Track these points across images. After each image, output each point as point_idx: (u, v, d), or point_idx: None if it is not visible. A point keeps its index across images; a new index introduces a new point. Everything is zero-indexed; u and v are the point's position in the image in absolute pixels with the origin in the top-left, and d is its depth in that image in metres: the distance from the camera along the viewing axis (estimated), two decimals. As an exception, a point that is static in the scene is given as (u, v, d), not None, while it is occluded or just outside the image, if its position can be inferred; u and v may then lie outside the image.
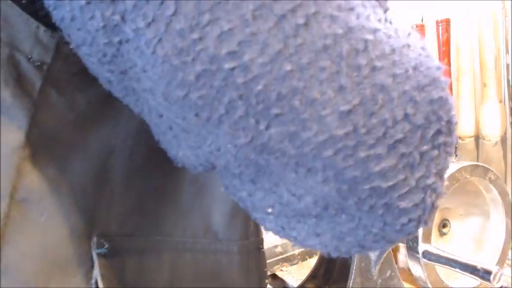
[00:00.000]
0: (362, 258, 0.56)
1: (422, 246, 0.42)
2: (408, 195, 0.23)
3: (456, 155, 1.04)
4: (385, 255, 0.55)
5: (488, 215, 0.48)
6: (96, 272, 0.29)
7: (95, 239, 0.30)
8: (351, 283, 0.55)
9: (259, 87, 0.21)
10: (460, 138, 1.03)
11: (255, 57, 0.21)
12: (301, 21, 0.21)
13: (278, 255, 0.86)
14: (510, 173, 0.96)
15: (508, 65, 0.94)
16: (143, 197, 0.34)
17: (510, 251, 0.51)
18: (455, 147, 1.05)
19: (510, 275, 0.80)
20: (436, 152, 0.23)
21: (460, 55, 1.00)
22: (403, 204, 0.23)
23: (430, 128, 0.23)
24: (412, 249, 0.43)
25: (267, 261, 0.85)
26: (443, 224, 0.47)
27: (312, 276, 0.66)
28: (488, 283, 0.37)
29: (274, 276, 0.83)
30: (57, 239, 0.29)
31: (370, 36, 0.22)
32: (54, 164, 0.29)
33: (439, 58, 1.04)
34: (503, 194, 0.47)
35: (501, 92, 0.95)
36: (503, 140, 0.96)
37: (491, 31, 0.93)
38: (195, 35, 0.21)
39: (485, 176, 0.46)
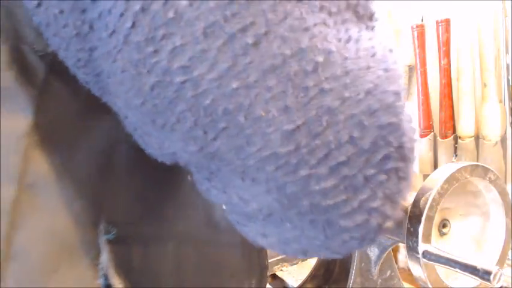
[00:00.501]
0: (362, 258, 0.56)
1: (422, 246, 0.42)
2: (350, 215, 0.23)
3: (456, 155, 1.04)
4: (385, 255, 0.55)
5: (488, 215, 0.48)
6: (104, 257, 0.30)
7: (102, 226, 0.31)
8: (351, 283, 0.55)
9: (207, 102, 0.22)
10: (460, 138, 1.03)
11: (205, 73, 0.22)
12: (250, 40, 0.21)
13: (278, 255, 0.85)
14: (510, 173, 0.96)
15: (508, 65, 0.94)
16: (147, 186, 0.34)
17: (510, 251, 0.51)
18: (455, 148, 1.05)
19: (510, 275, 0.80)
20: (384, 177, 0.23)
21: (460, 55, 1.00)
22: (345, 223, 0.23)
23: (377, 152, 0.23)
24: (412, 249, 0.43)
25: (268, 261, 0.85)
26: (443, 224, 0.47)
27: (312, 276, 0.66)
28: (488, 283, 0.37)
29: (274, 276, 0.83)
30: (65, 224, 0.29)
31: (321, 58, 0.22)
32: (60, 151, 0.29)
33: (439, 58, 1.04)
34: (503, 194, 0.47)
35: (501, 92, 0.95)
36: (503, 140, 0.96)
37: (491, 31, 0.93)
38: (151, 48, 0.22)
39: (485, 176, 0.46)
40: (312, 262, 0.86)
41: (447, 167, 0.44)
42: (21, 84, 0.28)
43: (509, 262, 0.82)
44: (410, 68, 1.16)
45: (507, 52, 0.94)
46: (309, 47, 0.22)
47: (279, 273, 0.83)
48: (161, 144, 0.26)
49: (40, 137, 0.28)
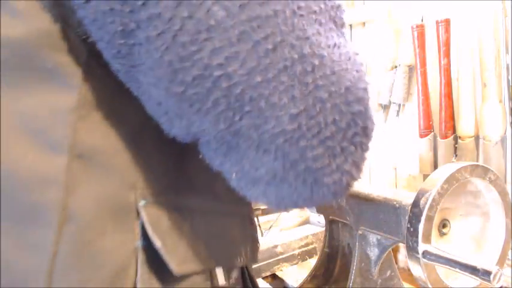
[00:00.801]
0: (362, 258, 0.56)
1: (422, 246, 0.42)
2: (330, 174, 0.32)
3: (456, 155, 1.05)
4: (385, 255, 0.55)
5: (488, 215, 0.48)
6: (143, 219, 0.35)
7: (138, 191, 0.35)
8: (351, 283, 0.55)
9: (238, 91, 0.29)
10: (460, 138, 1.03)
11: (237, 69, 0.29)
12: (270, 46, 0.29)
13: (278, 255, 0.86)
14: (510, 173, 0.96)
15: (508, 65, 0.94)
16: (169, 162, 0.39)
17: (510, 251, 0.51)
18: (455, 148, 1.05)
19: (510, 275, 0.80)
20: (353, 148, 0.33)
21: (460, 55, 1.00)
22: (327, 180, 0.33)
23: (350, 130, 0.32)
24: (412, 249, 0.43)
25: (267, 262, 0.85)
26: (443, 224, 0.47)
27: (312, 276, 0.66)
28: (488, 283, 0.37)
29: (274, 276, 0.83)
30: (110, 190, 0.34)
31: (317, 61, 0.30)
32: (102, 125, 0.34)
33: (439, 58, 1.04)
34: (503, 194, 0.47)
35: (501, 92, 0.95)
36: (503, 140, 0.96)
37: (491, 31, 0.93)
38: (194, 47, 0.28)
39: (485, 176, 0.46)
40: (312, 262, 0.86)
41: (447, 167, 0.44)
42: (69, 64, 0.32)
43: (509, 262, 0.82)
44: (410, 68, 1.16)
45: (507, 52, 0.94)
46: (309, 53, 0.30)
47: (279, 273, 0.83)
48: (191, 125, 0.32)
49: (86, 112, 0.33)
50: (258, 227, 1.13)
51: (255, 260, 0.51)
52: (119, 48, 0.30)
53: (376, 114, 1.33)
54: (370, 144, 0.35)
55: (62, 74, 0.32)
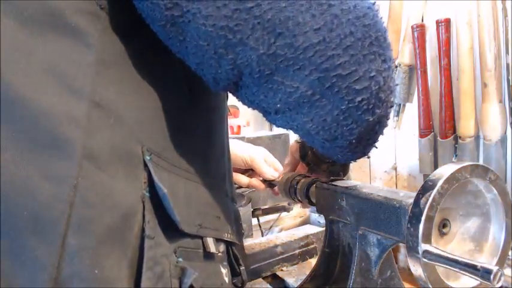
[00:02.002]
0: (362, 258, 0.56)
1: (422, 246, 0.42)
2: (359, 81, 0.37)
3: (456, 155, 1.05)
4: (385, 255, 0.55)
5: (488, 215, 0.48)
6: (150, 170, 0.39)
7: (145, 147, 0.39)
8: (351, 283, 0.55)
9: (268, 16, 0.35)
10: (460, 138, 1.03)
11: None
12: None
13: (278, 255, 0.86)
14: (510, 173, 0.96)
15: (508, 65, 0.94)
16: (172, 128, 0.43)
17: (510, 251, 0.51)
18: (455, 148, 1.05)
19: (510, 275, 0.80)
20: (372, 56, 0.37)
21: (460, 55, 1.00)
22: (356, 86, 0.37)
23: (365, 40, 0.37)
24: (412, 249, 0.43)
25: (267, 262, 0.85)
26: (443, 224, 0.47)
27: (312, 276, 0.66)
28: (488, 283, 0.37)
29: (274, 276, 0.83)
30: (121, 140, 0.37)
31: None
32: (116, 83, 0.38)
33: (439, 58, 1.04)
34: (503, 194, 0.47)
35: (501, 92, 0.95)
36: (503, 140, 0.96)
37: (491, 31, 0.93)
38: None
39: (485, 176, 0.45)
40: (312, 262, 0.86)
41: (447, 167, 0.44)
42: (89, 26, 0.36)
43: (509, 262, 0.82)
44: (410, 68, 1.16)
45: (507, 52, 0.94)
46: None
47: (279, 273, 0.83)
48: (236, 56, 0.37)
49: (102, 69, 0.37)
50: (258, 227, 1.13)
51: (239, 239, 0.55)
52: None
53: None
54: (387, 55, 0.39)
55: (83, 33, 0.36)
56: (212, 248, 0.46)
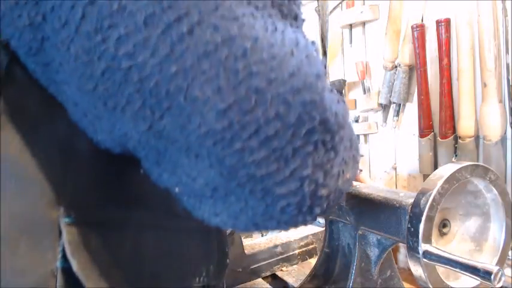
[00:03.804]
0: (362, 258, 0.56)
1: (422, 246, 0.42)
2: (283, 183, 0.27)
3: (456, 155, 1.04)
4: (385, 255, 0.55)
5: (488, 215, 0.48)
6: (64, 239, 0.31)
7: (62, 208, 0.32)
8: (351, 283, 0.55)
9: (152, 84, 0.25)
10: (460, 138, 1.03)
11: (147, 59, 0.25)
12: (185, 29, 0.25)
13: (278, 255, 0.85)
14: (510, 173, 0.96)
15: (508, 65, 0.94)
16: (108, 175, 0.35)
17: (510, 251, 0.51)
18: (455, 148, 1.05)
19: (510, 275, 0.80)
20: (311, 147, 0.27)
21: (460, 55, 1.00)
22: (279, 190, 0.27)
23: (302, 126, 0.26)
24: (412, 249, 0.43)
25: (268, 261, 0.85)
26: (444, 224, 0.47)
27: (312, 276, 0.66)
28: (489, 283, 0.37)
29: (274, 276, 0.83)
30: (25, 205, 0.30)
31: (248, 44, 0.25)
32: (23, 134, 0.31)
33: (439, 58, 1.04)
34: (503, 194, 0.47)
35: (501, 92, 0.95)
36: (503, 140, 0.96)
37: (491, 31, 0.93)
38: (99, 37, 0.25)
39: (485, 176, 0.46)
40: (312, 262, 0.86)
41: (447, 167, 0.44)
42: None
43: (509, 262, 0.82)
44: (411, 68, 1.16)
45: (507, 52, 0.94)
46: (238, 35, 0.25)
47: (279, 273, 0.83)
48: (112, 127, 0.28)
49: (3, 120, 0.30)
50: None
51: (220, 278, 0.45)
52: (29, 44, 0.28)
53: (351, 112, 1.32)
54: (339, 141, 0.28)
55: None
56: None
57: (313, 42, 0.30)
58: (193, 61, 0.25)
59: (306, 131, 0.26)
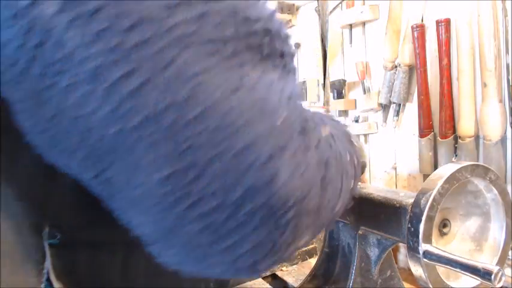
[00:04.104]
0: (362, 258, 0.56)
1: (423, 246, 0.42)
2: (218, 255, 0.26)
3: (456, 155, 1.04)
4: (385, 255, 0.55)
5: (488, 215, 0.48)
6: (48, 263, 0.30)
7: (46, 230, 0.30)
8: (351, 283, 0.55)
9: (96, 138, 0.24)
10: (460, 138, 1.03)
11: (92, 112, 0.23)
12: (132, 86, 0.23)
13: (278, 255, 0.85)
14: (510, 173, 0.96)
15: (508, 65, 0.94)
16: (93, 195, 0.34)
17: (510, 251, 0.51)
18: (455, 148, 1.05)
19: (510, 275, 0.80)
20: (249, 228, 0.25)
21: (460, 55, 1.00)
22: (213, 260, 0.26)
23: (243, 206, 0.25)
24: (412, 249, 0.43)
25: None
26: (444, 224, 0.47)
27: (312, 276, 0.66)
28: (489, 283, 0.37)
29: (274, 276, 0.83)
30: (7, 228, 0.29)
31: (199, 110, 0.23)
32: (4, 155, 0.29)
33: (439, 58, 1.04)
34: (503, 194, 0.47)
35: (501, 92, 0.95)
36: (503, 140, 0.96)
37: (491, 31, 0.93)
38: (47, 82, 0.24)
39: (485, 176, 0.45)
40: (312, 262, 0.86)
41: (447, 167, 0.44)
42: None
43: (509, 262, 0.82)
44: (410, 68, 1.16)
45: (507, 52, 0.94)
46: (189, 98, 0.23)
47: (279, 273, 0.83)
48: (66, 167, 0.27)
49: None
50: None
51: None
52: None
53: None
54: (295, 215, 0.26)
55: None
56: None
57: (289, 98, 0.27)
58: (139, 121, 0.23)
59: (247, 211, 0.25)
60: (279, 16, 0.29)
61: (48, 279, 0.30)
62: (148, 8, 0.23)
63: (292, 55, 0.30)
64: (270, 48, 0.27)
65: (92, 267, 0.33)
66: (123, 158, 0.24)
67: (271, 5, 0.28)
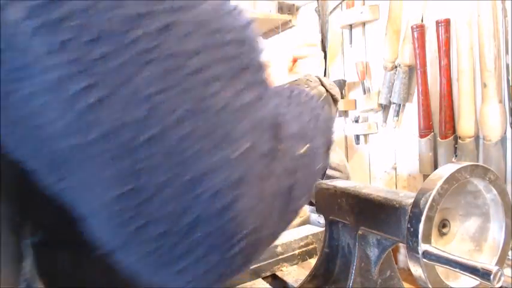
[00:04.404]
0: (362, 258, 0.56)
1: (422, 247, 0.42)
2: (170, 276, 0.26)
3: (456, 155, 1.05)
4: (385, 255, 0.55)
5: (488, 215, 0.48)
6: (28, 261, 0.29)
7: (27, 228, 0.30)
8: (351, 283, 0.55)
9: (53, 148, 0.23)
10: (460, 138, 1.03)
11: (50, 123, 0.23)
12: (92, 100, 0.22)
13: (278, 255, 0.85)
14: (510, 173, 0.96)
15: (507, 65, 0.94)
16: None
17: (510, 251, 0.51)
18: (455, 148, 1.05)
19: (510, 275, 0.80)
20: (201, 252, 0.25)
21: (460, 55, 1.00)
22: (166, 279, 0.26)
23: (191, 234, 0.24)
24: (412, 249, 0.43)
25: (267, 262, 0.85)
26: (443, 224, 0.47)
27: (312, 276, 0.66)
28: (488, 283, 0.37)
29: (274, 276, 0.83)
30: None
31: (155, 131, 0.23)
32: None
33: (439, 58, 1.04)
34: (503, 194, 0.47)
35: (501, 92, 0.95)
36: (503, 140, 0.96)
37: (491, 31, 0.93)
38: (10, 87, 0.23)
39: (485, 176, 0.45)
40: (312, 262, 0.86)
41: (447, 167, 0.44)
42: None
43: (509, 262, 0.82)
44: (410, 68, 1.16)
45: (507, 52, 0.94)
46: (144, 119, 0.23)
47: (279, 273, 0.83)
48: (31, 170, 0.26)
49: None
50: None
51: None
52: None
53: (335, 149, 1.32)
54: (240, 250, 0.25)
55: None
56: None
57: (260, 123, 0.26)
58: (97, 136, 0.22)
59: (196, 238, 0.24)
60: (255, 27, 0.27)
61: (27, 280, 0.29)
62: (111, 20, 0.22)
63: (264, 68, 0.28)
64: (247, 59, 0.26)
65: (73, 266, 0.33)
66: (77, 171, 0.24)
67: (248, 15, 0.27)
